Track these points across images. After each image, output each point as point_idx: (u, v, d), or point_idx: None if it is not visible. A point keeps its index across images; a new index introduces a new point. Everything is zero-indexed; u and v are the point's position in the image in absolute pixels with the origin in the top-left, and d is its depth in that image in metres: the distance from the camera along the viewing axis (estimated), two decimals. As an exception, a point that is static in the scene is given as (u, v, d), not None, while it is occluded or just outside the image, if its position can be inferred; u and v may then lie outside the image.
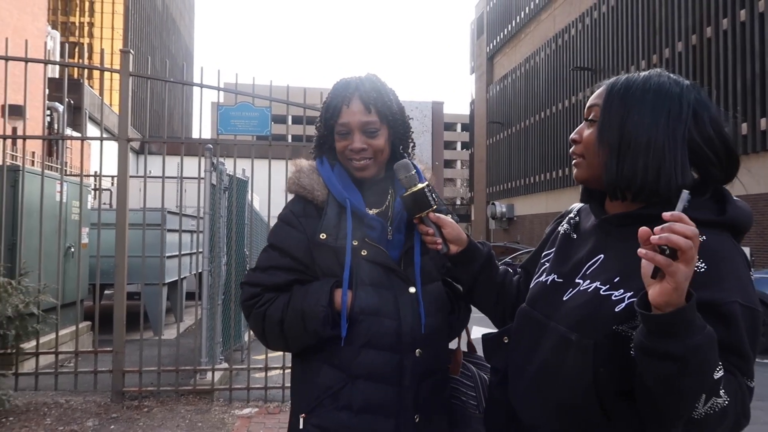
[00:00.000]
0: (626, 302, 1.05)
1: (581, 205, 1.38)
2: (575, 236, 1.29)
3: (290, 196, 1.60)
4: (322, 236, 1.45)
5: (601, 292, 1.10)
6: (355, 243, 1.45)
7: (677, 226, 0.88)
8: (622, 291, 1.07)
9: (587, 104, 1.23)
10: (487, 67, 37.21)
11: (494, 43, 36.09)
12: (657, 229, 0.89)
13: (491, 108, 35.80)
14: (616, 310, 1.06)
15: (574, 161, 1.24)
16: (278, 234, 1.53)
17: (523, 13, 31.69)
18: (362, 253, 1.45)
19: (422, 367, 1.45)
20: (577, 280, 1.18)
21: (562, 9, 27.52)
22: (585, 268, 1.18)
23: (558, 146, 26.30)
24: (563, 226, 1.35)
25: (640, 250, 0.91)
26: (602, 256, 1.16)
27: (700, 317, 0.91)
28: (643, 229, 0.90)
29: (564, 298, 1.18)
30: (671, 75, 1.17)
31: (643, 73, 1.18)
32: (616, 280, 1.09)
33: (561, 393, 1.11)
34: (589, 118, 1.21)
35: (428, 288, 1.50)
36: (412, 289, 1.46)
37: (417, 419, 1.43)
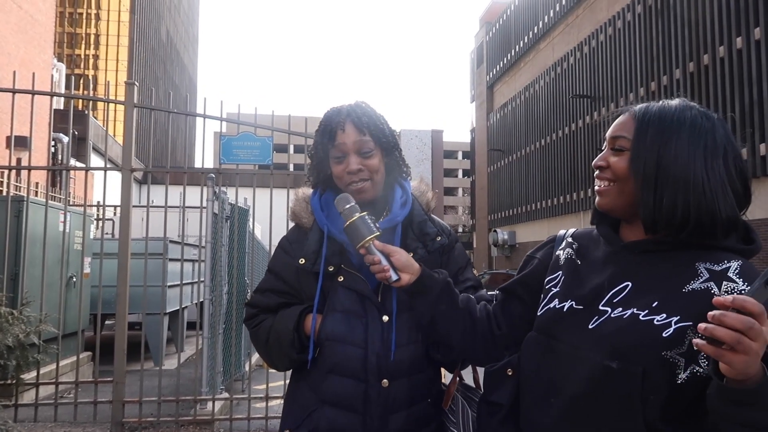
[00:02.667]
0: (674, 327, 1.03)
1: (572, 230, 1.36)
2: (580, 262, 1.26)
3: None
4: (301, 261, 1.50)
5: (640, 317, 1.06)
6: (331, 269, 1.47)
7: (728, 319, 0.85)
8: (664, 316, 1.04)
9: (612, 133, 1.20)
10: (487, 96, 37.58)
11: (494, 72, 36.52)
12: (710, 314, 0.87)
13: (492, 136, 36.05)
14: (664, 335, 1.03)
15: (599, 188, 1.21)
16: (274, 258, 1.61)
17: (522, 42, 32.14)
18: (339, 279, 1.47)
19: (391, 398, 1.43)
20: (602, 308, 1.13)
21: (560, 38, 27.93)
22: (609, 295, 1.13)
23: (559, 173, 26.39)
24: (565, 251, 1.30)
25: (701, 326, 0.88)
26: (630, 283, 1.12)
27: None
28: (717, 300, 0.88)
29: (590, 326, 1.13)
30: (699, 106, 1.17)
31: (672, 103, 1.17)
32: (654, 305, 1.06)
33: (603, 424, 1.07)
34: (615, 147, 1.18)
35: (405, 317, 1.47)
36: (386, 318, 1.46)
37: None
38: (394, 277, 1.37)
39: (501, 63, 35.28)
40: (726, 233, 1.10)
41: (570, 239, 1.33)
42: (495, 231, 32.77)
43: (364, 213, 1.40)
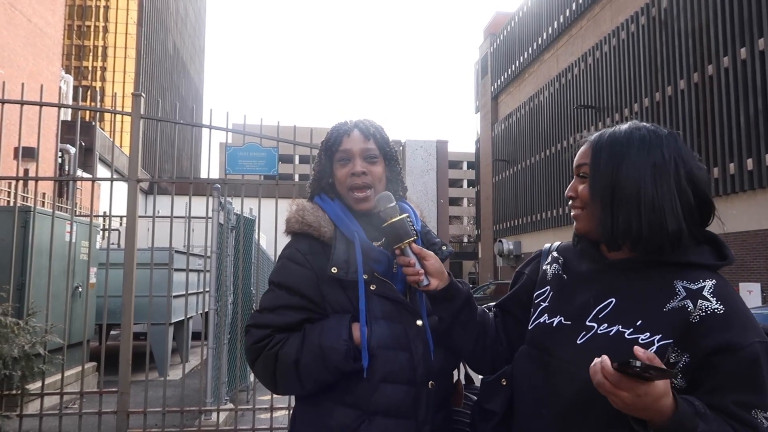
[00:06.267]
0: (657, 345, 1.10)
1: (557, 244, 1.43)
2: (566, 277, 1.32)
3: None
4: (334, 270, 1.43)
5: (626, 336, 1.13)
6: (366, 277, 1.45)
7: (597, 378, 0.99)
8: (648, 334, 1.11)
9: (576, 162, 1.29)
10: (491, 106, 37.67)
11: (498, 83, 36.63)
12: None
13: (497, 146, 36.09)
14: None
15: (573, 214, 1.29)
16: (285, 272, 1.51)
17: (526, 53, 32.25)
18: (371, 287, 1.46)
19: (436, 398, 1.46)
20: (588, 323, 1.19)
21: (564, 49, 28.01)
22: (595, 311, 1.19)
23: (563, 183, 26.35)
24: (551, 266, 1.37)
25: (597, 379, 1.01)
26: (614, 300, 1.18)
27: (691, 417, 0.99)
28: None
29: (578, 342, 1.18)
30: (649, 125, 1.24)
31: (623, 127, 1.24)
32: (638, 324, 1.13)
33: None
34: (580, 174, 1.27)
35: (432, 320, 1.49)
36: (420, 322, 1.47)
37: None
38: (425, 281, 1.39)
39: (505, 74, 35.40)
40: (675, 246, 1.16)
41: (555, 254, 1.40)
42: (500, 241, 32.71)
43: (405, 215, 1.42)
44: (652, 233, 1.14)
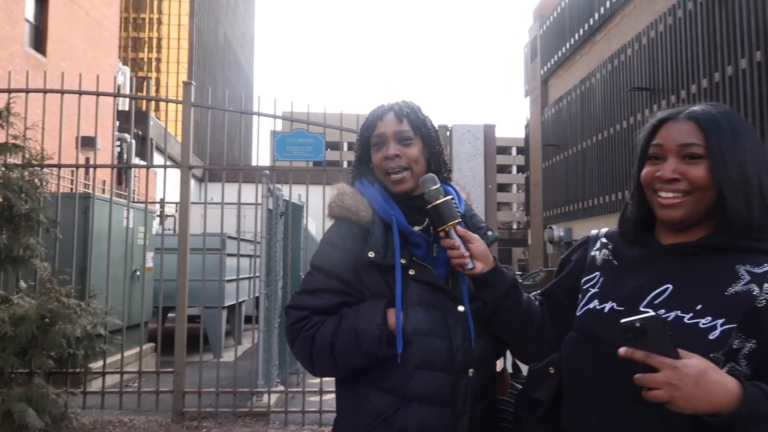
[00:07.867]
0: (720, 330, 1.06)
1: (605, 230, 1.38)
2: (616, 262, 1.28)
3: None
4: (371, 254, 1.42)
5: (685, 320, 1.09)
6: (403, 261, 1.43)
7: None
8: (710, 319, 1.07)
9: (680, 142, 1.17)
10: (541, 90, 36.85)
11: (548, 66, 35.76)
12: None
13: (546, 130, 35.31)
14: (710, 337, 1.06)
15: (671, 200, 1.17)
16: (324, 256, 1.52)
17: (577, 35, 31.33)
18: (410, 272, 1.43)
19: (476, 387, 1.42)
20: (642, 309, 1.15)
21: (617, 29, 27.05)
22: (650, 297, 1.15)
23: (617, 168, 25.61)
24: (601, 252, 1.33)
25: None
26: (670, 286, 1.14)
27: (762, 400, 0.96)
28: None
29: None
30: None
31: (725, 108, 1.19)
32: (699, 308, 1.09)
33: (651, 422, 1.09)
34: (687, 155, 1.16)
35: (475, 306, 1.46)
36: (461, 308, 1.44)
37: None
38: (470, 264, 1.36)
39: (555, 56, 34.51)
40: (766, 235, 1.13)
41: (604, 240, 1.35)
42: (550, 228, 32.11)
43: (450, 197, 1.41)
44: (764, 220, 1.12)
